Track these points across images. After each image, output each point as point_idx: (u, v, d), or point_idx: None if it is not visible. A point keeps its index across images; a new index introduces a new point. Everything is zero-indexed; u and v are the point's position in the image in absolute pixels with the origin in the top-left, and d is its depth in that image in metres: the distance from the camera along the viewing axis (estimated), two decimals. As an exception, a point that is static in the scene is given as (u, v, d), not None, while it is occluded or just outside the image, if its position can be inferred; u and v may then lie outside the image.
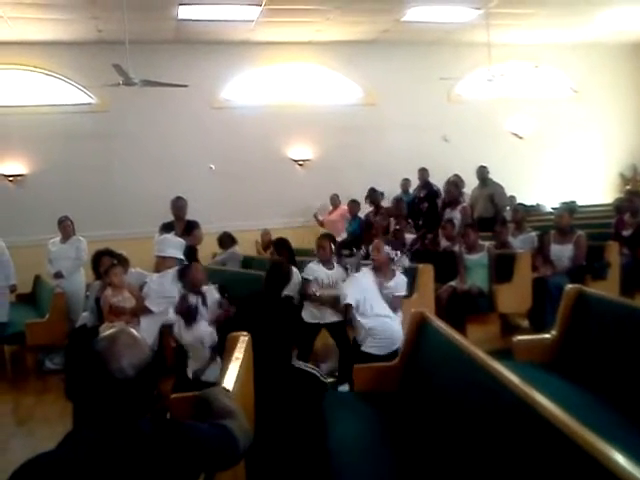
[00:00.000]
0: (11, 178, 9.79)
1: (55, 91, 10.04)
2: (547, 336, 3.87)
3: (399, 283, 4.65)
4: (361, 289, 4.40)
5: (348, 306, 4.38)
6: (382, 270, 4.58)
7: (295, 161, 10.98)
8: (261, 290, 4.32)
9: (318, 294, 4.88)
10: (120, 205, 9.89)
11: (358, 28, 10.03)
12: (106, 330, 1.69)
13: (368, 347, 4.28)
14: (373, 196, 8.84)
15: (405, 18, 9.61)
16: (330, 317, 5.00)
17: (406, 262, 4.76)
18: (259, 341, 3.34)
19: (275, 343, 3.70)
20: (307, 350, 5.04)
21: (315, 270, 5.02)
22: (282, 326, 3.86)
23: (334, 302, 4.77)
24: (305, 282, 4.98)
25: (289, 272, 4.40)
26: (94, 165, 9.93)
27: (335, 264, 5.11)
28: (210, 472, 1.77)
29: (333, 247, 5.11)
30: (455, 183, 8.18)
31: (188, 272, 4.53)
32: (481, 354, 2.68)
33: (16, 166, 9.81)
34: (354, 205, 9.01)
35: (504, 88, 10.58)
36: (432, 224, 7.83)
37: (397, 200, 8.65)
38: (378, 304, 4.39)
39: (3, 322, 6.75)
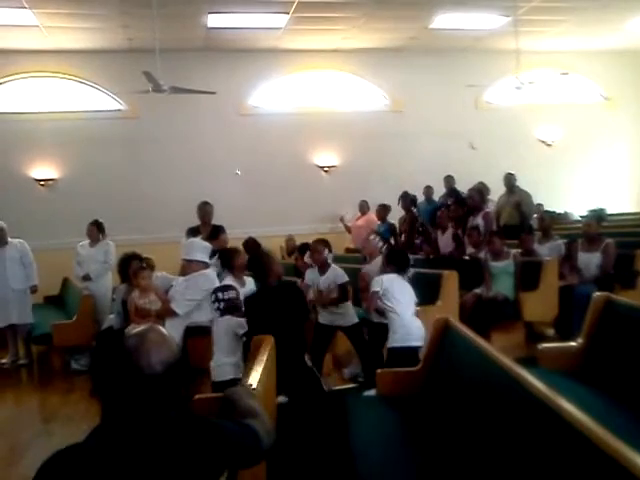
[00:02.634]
0: (42, 182, 10.00)
1: (86, 98, 10.25)
2: (573, 344, 3.80)
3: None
4: (388, 280, 4.48)
5: (375, 293, 4.43)
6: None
7: (321, 167, 11.02)
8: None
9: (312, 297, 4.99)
10: (147, 210, 10.02)
11: (385, 35, 10.04)
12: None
13: (393, 342, 4.30)
14: (404, 200, 8.78)
15: (433, 25, 9.60)
16: (345, 321, 5.03)
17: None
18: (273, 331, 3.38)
19: (287, 328, 3.73)
20: (320, 354, 5.05)
21: (311, 276, 5.18)
22: (290, 310, 3.89)
23: (330, 300, 4.94)
24: (305, 288, 5.06)
25: (268, 257, 4.36)
26: (123, 170, 10.10)
27: (330, 268, 5.12)
28: (233, 469, 1.78)
29: (327, 252, 5.13)
30: (478, 190, 8.10)
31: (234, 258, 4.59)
32: (506, 360, 2.65)
33: (48, 170, 10.02)
34: (383, 209, 8.98)
35: (532, 95, 10.49)
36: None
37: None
38: (403, 296, 4.43)
39: (31, 322, 6.91)
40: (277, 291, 4.12)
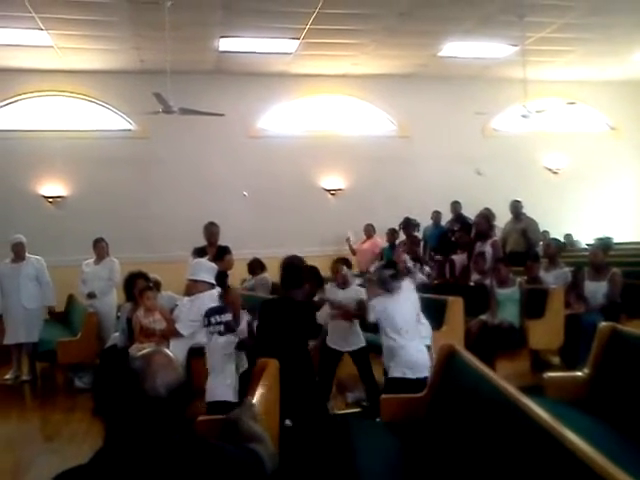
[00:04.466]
0: (51, 199, 10.08)
1: (97, 117, 10.38)
2: (579, 374, 3.78)
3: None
4: (390, 307, 4.31)
5: (378, 320, 4.30)
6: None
7: (327, 191, 11.07)
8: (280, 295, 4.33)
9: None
10: (154, 229, 10.06)
11: (394, 62, 10.16)
12: (136, 351, 1.73)
13: (395, 372, 4.20)
14: (407, 226, 8.96)
15: (442, 53, 9.72)
16: (352, 345, 5.02)
17: (420, 276, 5.01)
18: (279, 344, 3.38)
19: (294, 346, 3.73)
20: (328, 378, 5.03)
21: (330, 291, 5.20)
22: (301, 325, 3.88)
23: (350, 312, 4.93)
24: (325, 302, 5.09)
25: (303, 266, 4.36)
26: (131, 189, 10.18)
27: (351, 285, 5.24)
28: None
29: (346, 269, 5.24)
30: (486, 216, 8.12)
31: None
32: (511, 389, 2.63)
33: (56, 188, 10.11)
34: (392, 234, 9.20)
35: (539, 123, 10.56)
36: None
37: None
38: (408, 325, 4.31)
39: (36, 342, 6.90)
40: (290, 303, 4.12)
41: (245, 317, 4.42)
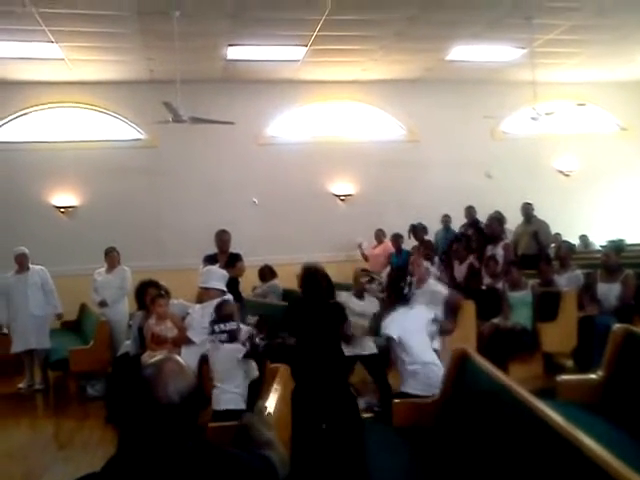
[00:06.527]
0: (63, 209, 10.15)
1: (108, 128, 10.45)
2: (593, 376, 3.75)
3: (435, 293, 4.95)
4: (404, 326, 4.24)
5: (390, 339, 4.23)
6: (420, 284, 4.92)
7: (337, 196, 11.07)
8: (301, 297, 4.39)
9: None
10: (166, 237, 10.10)
11: (402, 67, 10.16)
12: (148, 359, 1.73)
13: (408, 388, 4.11)
14: (415, 232, 8.96)
15: (449, 57, 9.70)
16: (365, 349, 5.00)
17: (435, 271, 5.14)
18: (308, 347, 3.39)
19: (327, 349, 3.75)
20: None
21: (346, 300, 5.21)
22: (333, 328, 3.93)
23: (364, 331, 4.94)
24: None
25: (324, 273, 4.43)
26: (142, 198, 10.23)
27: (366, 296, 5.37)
28: None
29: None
30: (497, 219, 8.09)
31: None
32: (524, 392, 2.62)
33: (68, 198, 10.18)
34: (397, 239, 9.11)
35: (549, 125, 10.49)
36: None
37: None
38: (422, 347, 4.22)
39: (48, 348, 6.96)
40: (324, 306, 4.24)
41: (245, 329, 4.41)
